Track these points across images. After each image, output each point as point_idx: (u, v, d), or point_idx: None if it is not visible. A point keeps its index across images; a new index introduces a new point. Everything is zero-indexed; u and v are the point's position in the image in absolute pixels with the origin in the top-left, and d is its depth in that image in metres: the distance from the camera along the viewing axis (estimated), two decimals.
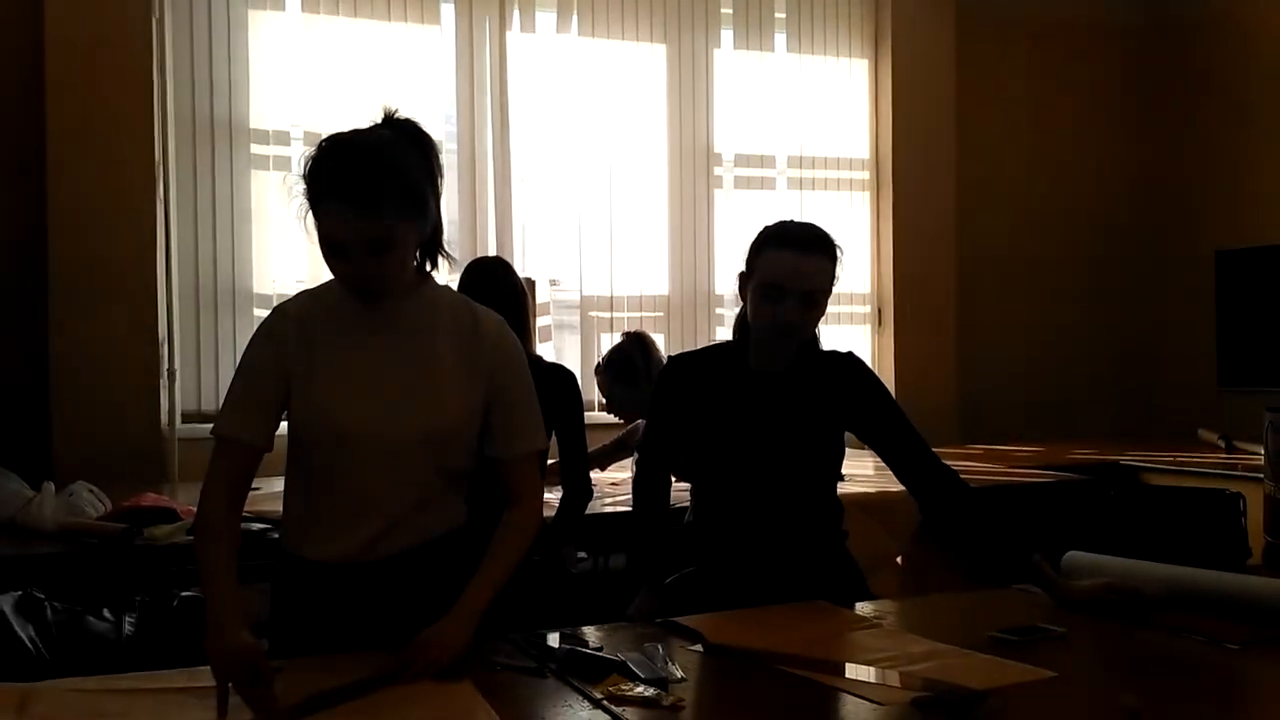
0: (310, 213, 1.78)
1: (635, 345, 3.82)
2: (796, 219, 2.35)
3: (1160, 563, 2.22)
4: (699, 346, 2.56)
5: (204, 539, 1.82)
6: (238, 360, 1.73)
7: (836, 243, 2.31)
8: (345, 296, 1.86)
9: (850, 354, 2.42)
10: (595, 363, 5.15)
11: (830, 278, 2.27)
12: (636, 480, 2.51)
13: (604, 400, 4.02)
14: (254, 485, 1.91)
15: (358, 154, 1.75)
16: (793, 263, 2.22)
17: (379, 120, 1.86)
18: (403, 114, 1.87)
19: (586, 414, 3.30)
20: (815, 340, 2.40)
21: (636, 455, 2.66)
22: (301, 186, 1.78)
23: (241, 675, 1.58)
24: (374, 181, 1.72)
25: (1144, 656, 1.89)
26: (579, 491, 3.09)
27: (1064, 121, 6.11)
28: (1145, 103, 6.24)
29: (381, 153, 1.76)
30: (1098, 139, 6.19)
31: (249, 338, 1.91)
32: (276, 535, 2.08)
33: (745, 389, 2.33)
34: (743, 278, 2.33)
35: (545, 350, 4.98)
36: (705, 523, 2.40)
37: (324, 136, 1.82)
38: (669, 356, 2.60)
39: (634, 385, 3.78)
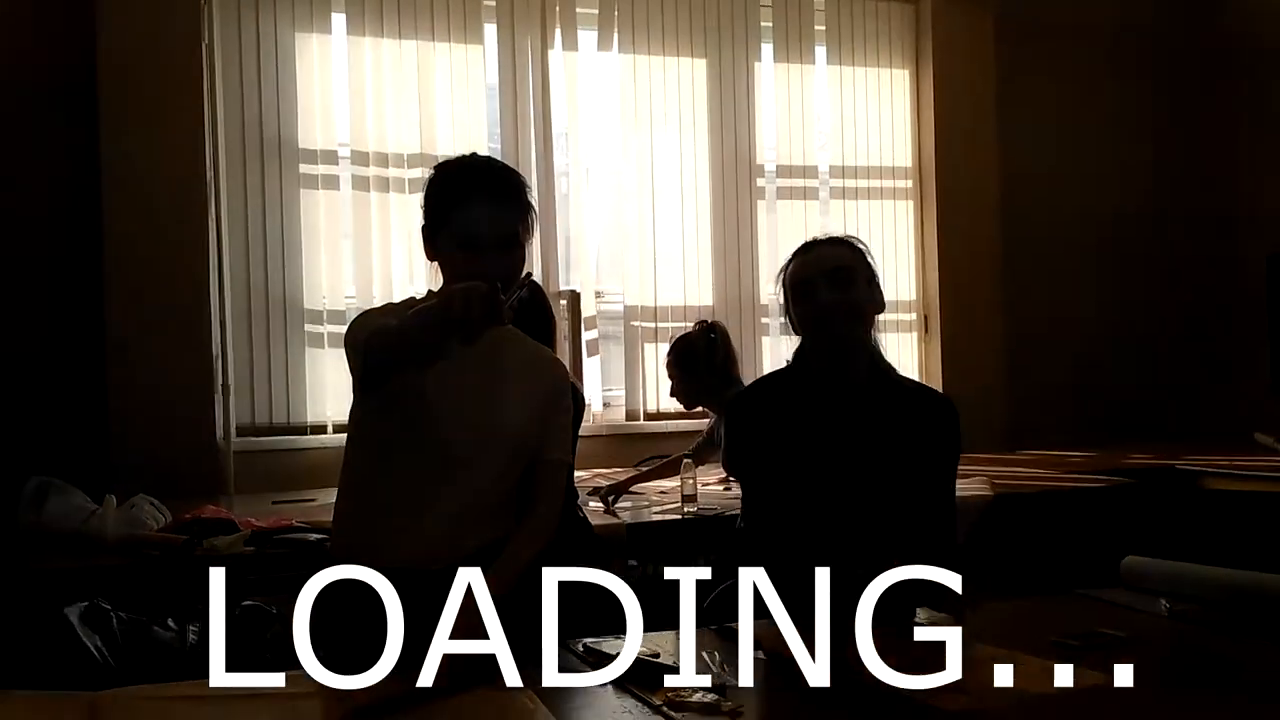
0: (434, 227, 1.99)
1: (701, 333, 3.81)
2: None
3: (1220, 567, 2.20)
4: (761, 376, 2.48)
5: (386, 330, 1.86)
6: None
7: (861, 243, 2.36)
8: None
9: (948, 400, 2.38)
10: (639, 373, 5.20)
11: (856, 263, 2.29)
12: (750, 549, 2.32)
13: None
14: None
15: (493, 165, 2.04)
16: (812, 255, 2.31)
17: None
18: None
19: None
20: (877, 358, 2.34)
21: (739, 522, 2.56)
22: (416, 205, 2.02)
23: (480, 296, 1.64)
24: (512, 184, 2.01)
25: (1203, 660, 1.86)
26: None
27: (1108, 125, 6.04)
28: (1191, 103, 6.16)
29: (508, 168, 2.05)
30: (1143, 142, 6.12)
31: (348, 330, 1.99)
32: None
33: (816, 407, 2.27)
34: (785, 312, 2.36)
35: (591, 362, 5.02)
36: (760, 531, 2.35)
37: (435, 165, 2.07)
38: (736, 394, 2.54)
39: (693, 372, 3.77)
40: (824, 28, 5.57)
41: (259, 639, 2.46)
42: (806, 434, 2.27)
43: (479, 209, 1.95)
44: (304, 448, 4.60)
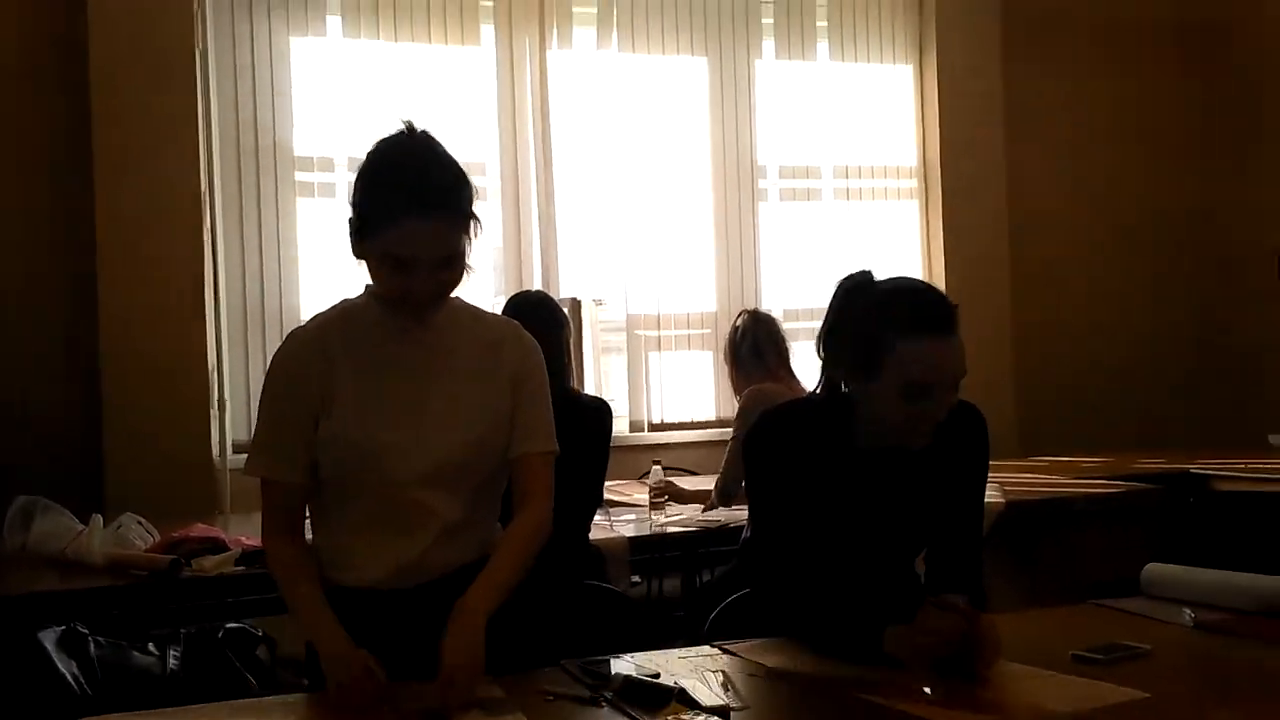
0: (361, 238, 1.77)
1: (744, 322, 3.83)
2: (924, 291, 1.96)
3: (1243, 572, 2.11)
4: (786, 403, 2.15)
5: (276, 577, 1.84)
6: None
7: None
8: (362, 315, 1.86)
9: (973, 408, 2.06)
10: (642, 382, 5.12)
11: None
12: (758, 571, 2.12)
13: None
14: (308, 514, 1.87)
15: (428, 166, 1.75)
16: (939, 355, 1.88)
17: (403, 130, 1.82)
18: (420, 126, 1.83)
19: None
20: None
21: (746, 533, 2.43)
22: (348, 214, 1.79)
23: (359, 679, 1.64)
24: (451, 191, 1.74)
25: (1234, 673, 1.79)
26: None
27: (1119, 122, 5.95)
28: (1203, 102, 6.07)
29: (436, 163, 1.76)
30: (1154, 139, 6.02)
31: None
32: None
33: (852, 469, 2.01)
34: (860, 361, 1.93)
35: (589, 371, 4.90)
36: (766, 550, 2.11)
37: (363, 157, 1.81)
38: (760, 415, 2.12)
39: (730, 361, 3.82)
40: (826, 23, 5.49)
41: (243, 661, 2.39)
42: (831, 485, 2.00)
43: (411, 225, 1.68)
44: None
